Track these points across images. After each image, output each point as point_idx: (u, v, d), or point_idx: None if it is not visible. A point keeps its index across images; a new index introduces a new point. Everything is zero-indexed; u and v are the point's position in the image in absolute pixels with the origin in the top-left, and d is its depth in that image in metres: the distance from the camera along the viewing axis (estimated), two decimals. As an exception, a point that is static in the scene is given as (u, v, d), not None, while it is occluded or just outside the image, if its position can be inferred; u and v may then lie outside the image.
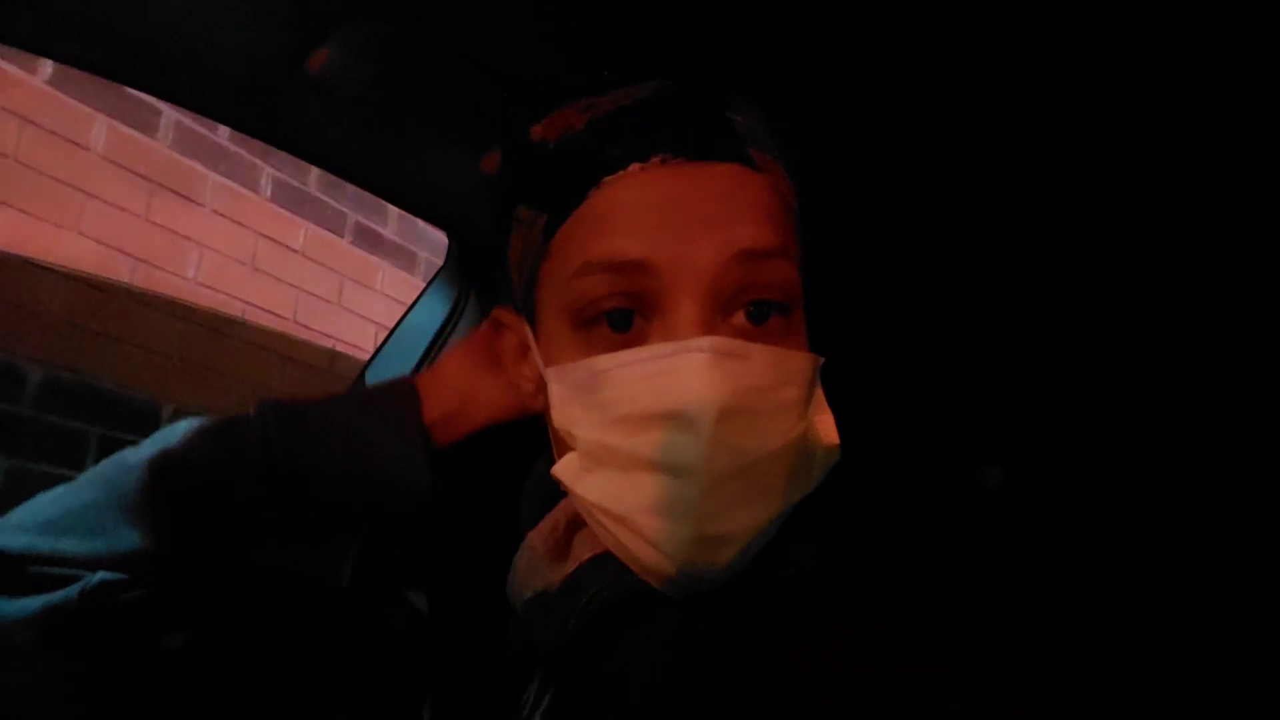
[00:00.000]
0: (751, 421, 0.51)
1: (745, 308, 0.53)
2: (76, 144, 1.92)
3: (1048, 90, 0.75)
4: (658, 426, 0.51)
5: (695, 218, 0.52)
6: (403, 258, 2.66)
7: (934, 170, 0.89)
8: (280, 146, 0.87)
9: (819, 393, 0.56)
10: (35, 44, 0.70)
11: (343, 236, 2.52)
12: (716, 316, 0.52)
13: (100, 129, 1.97)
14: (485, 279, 1.08)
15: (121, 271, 1.98)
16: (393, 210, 2.68)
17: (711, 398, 0.49)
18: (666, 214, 0.52)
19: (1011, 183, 0.89)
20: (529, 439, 0.65)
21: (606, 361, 0.52)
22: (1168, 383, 0.96)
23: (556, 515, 0.60)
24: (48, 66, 1.89)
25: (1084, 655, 0.47)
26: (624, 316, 0.53)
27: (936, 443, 1.10)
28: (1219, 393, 0.92)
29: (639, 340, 0.53)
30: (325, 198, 2.47)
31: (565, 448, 0.56)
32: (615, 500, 0.53)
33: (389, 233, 2.66)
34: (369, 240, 2.60)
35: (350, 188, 2.52)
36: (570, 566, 0.57)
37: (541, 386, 0.59)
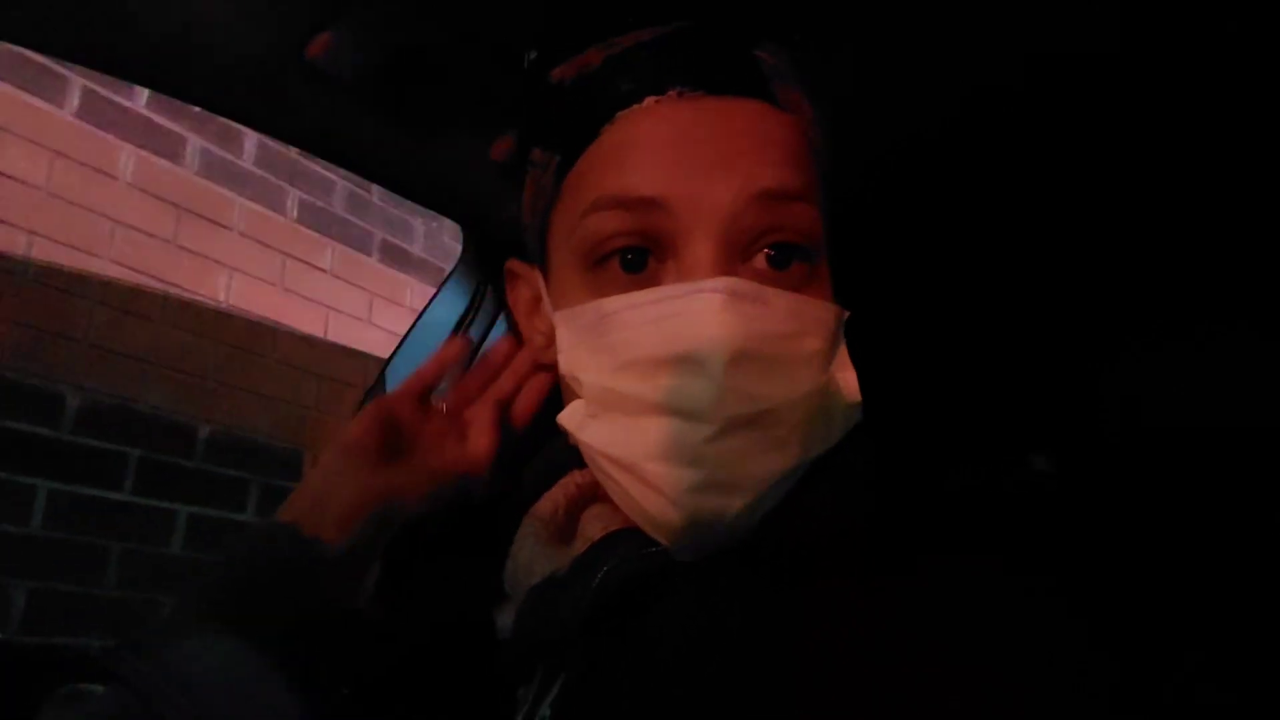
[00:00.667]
0: (767, 369, 0.48)
1: (766, 251, 0.50)
2: (105, 173, 1.96)
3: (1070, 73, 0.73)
4: (667, 370, 0.48)
5: (713, 155, 0.49)
6: (430, 273, 2.67)
7: (960, 155, 0.87)
8: (285, 139, 0.87)
9: (843, 348, 0.53)
10: (27, 37, 0.70)
11: (370, 255, 2.54)
12: (734, 259, 0.49)
13: (128, 158, 2.00)
14: (501, 272, 1.08)
15: (153, 296, 2.01)
16: (419, 227, 2.70)
17: (724, 341, 0.46)
18: (683, 150, 0.50)
19: (1039, 166, 0.87)
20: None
21: (615, 303, 0.50)
22: (1202, 363, 0.93)
23: (555, 496, 0.58)
24: (75, 99, 1.93)
25: (1140, 640, 0.44)
26: (637, 256, 0.50)
27: (969, 428, 1.07)
28: (1255, 375, 0.89)
29: (652, 282, 0.50)
30: (351, 217, 2.50)
31: (573, 395, 0.54)
32: (621, 446, 0.50)
33: (416, 249, 2.68)
34: (396, 257, 2.62)
35: (376, 207, 2.56)
36: (580, 546, 0.54)
37: (552, 338, 0.56)
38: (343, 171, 2.45)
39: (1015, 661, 0.42)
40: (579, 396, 0.53)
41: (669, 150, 0.50)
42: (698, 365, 0.47)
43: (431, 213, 2.70)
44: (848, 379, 0.53)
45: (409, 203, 2.71)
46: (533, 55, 0.67)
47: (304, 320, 2.33)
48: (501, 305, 1.08)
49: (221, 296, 2.15)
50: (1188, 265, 0.88)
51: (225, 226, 2.18)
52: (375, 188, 2.57)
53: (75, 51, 0.75)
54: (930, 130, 0.81)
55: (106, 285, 1.93)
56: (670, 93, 0.51)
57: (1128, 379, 0.96)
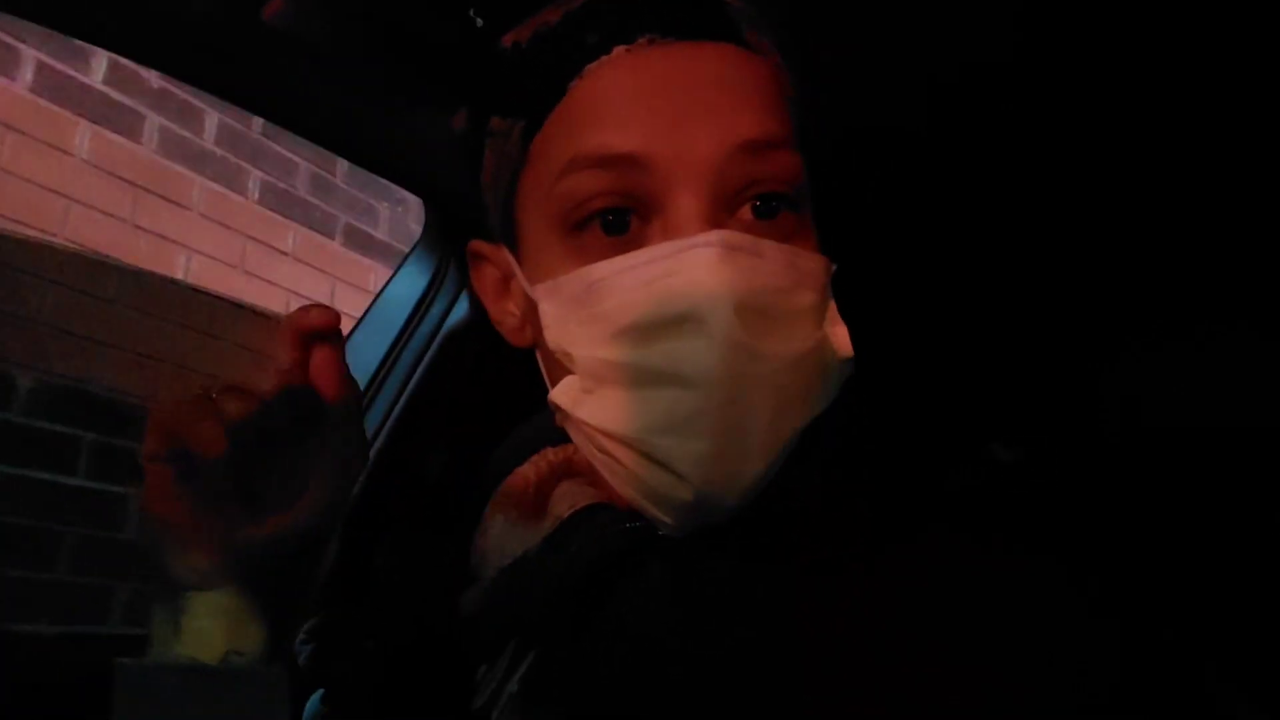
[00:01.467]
0: (771, 325, 0.46)
1: (752, 202, 0.48)
2: (60, 150, 1.91)
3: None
4: (667, 334, 0.45)
5: (691, 104, 0.47)
6: (394, 257, 2.64)
7: (942, 156, 0.87)
8: (241, 104, 0.85)
9: (832, 303, 0.52)
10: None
11: (333, 238, 2.51)
12: (721, 212, 0.47)
13: (84, 135, 1.95)
14: (465, 246, 1.06)
15: (109, 276, 1.97)
16: (384, 211, 2.67)
17: (725, 294, 0.44)
18: (659, 101, 0.47)
19: (1031, 161, 0.87)
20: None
21: (603, 269, 0.47)
22: (1190, 364, 0.94)
23: (525, 473, 0.56)
24: (29, 73, 1.88)
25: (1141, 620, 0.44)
26: (619, 218, 0.48)
27: (952, 421, 1.08)
28: (1244, 374, 0.90)
29: (637, 243, 0.47)
30: (315, 200, 2.46)
31: (561, 373, 0.51)
32: (622, 422, 0.47)
33: (380, 233, 2.65)
34: (360, 242, 2.59)
35: (340, 190, 2.52)
36: (550, 525, 0.52)
37: (529, 317, 0.54)
38: (306, 153, 2.41)
39: (1014, 639, 0.41)
40: (570, 372, 0.50)
41: (645, 102, 0.47)
42: (698, 324, 0.44)
43: (396, 197, 2.67)
44: (839, 334, 0.51)
45: (373, 186, 2.67)
46: (479, 21, 0.64)
47: (265, 303, 2.29)
48: (464, 281, 1.06)
49: (180, 277, 2.11)
50: (1186, 264, 0.89)
51: (184, 206, 2.14)
52: (339, 170, 2.53)
53: (25, 7, 0.73)
54: (930, 126, 0.81)
55: (61, 264, 1.89)
56: (640, 41, 0.48)
57: (1127, 377, 0.96)
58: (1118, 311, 0.97)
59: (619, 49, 0.48)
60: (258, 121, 2.31)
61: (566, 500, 0.52)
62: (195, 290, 2.13)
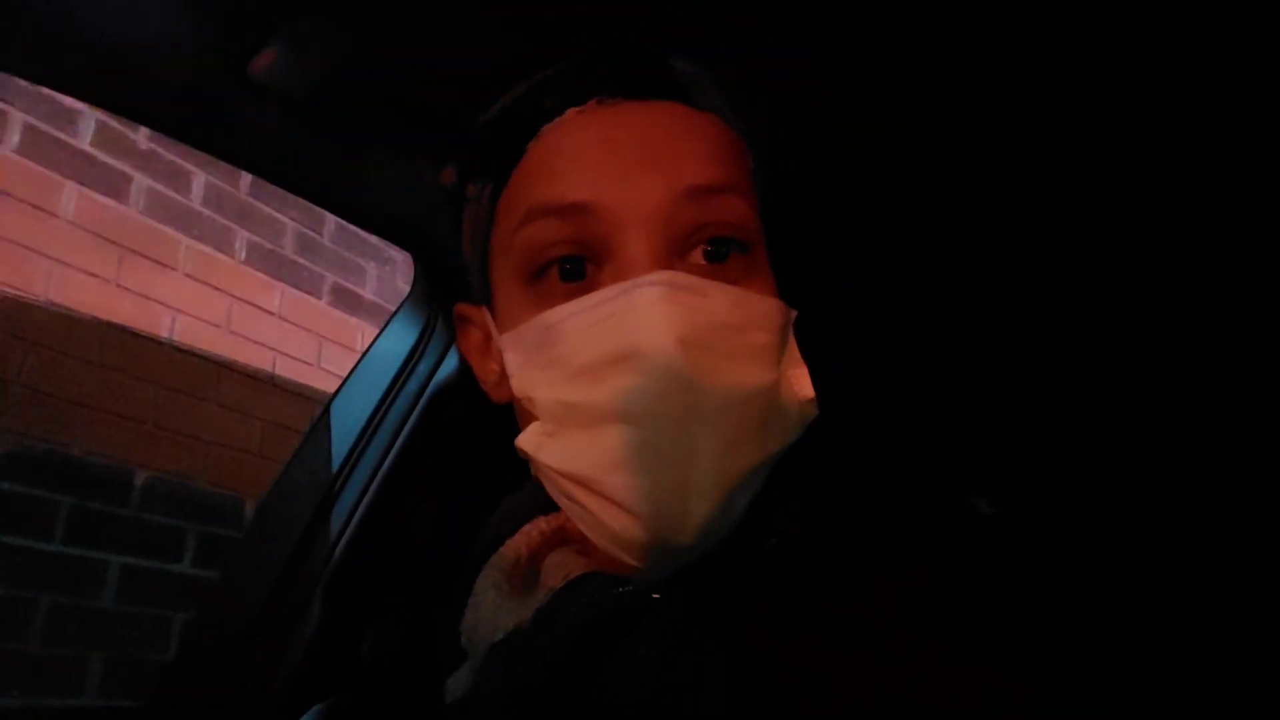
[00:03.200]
0: (715, 362, 0.47)
1: (703, 246, 0.50)
2: (46, 210, 1.90)
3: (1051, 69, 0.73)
4: (614, 372, 0.47)
5: (638, 156, 0.50)
6: (382, 317, 2.63)
7: (936, 158, 0.87)
8: (227, 159, 0.84)
9: (793, 345, 0.53)
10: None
11: (320, 298, 2.50)
12: (672, 257, 0.49)
13: (70, 195, 1.95)
14: (453, 302, 1.05)
15: (92, 337, 1.94)
16: (371, 270, 2.67)
17: (667, 332, 0.45)
18: (608, 153, 0.50)
19: (1016, 173, 0.87)
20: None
21: (557, 314, 0.49)
22: (1177, 371, 0.94)
23: (518, 544, 0.55)
24: (15, 135, 1.88)
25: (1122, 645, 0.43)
26: (575, 266, 0.50)
27: (938, 437, 1.07)
28: (1230, 379, 0.89)
29: (592, 288, 0.49)
30: (302, 260, 2.45)
31: (529, 418, 0.52)
32: (578, 462, 0.48)
33: (368, 293, 2.64)
34: (347, 301, 2.58)
35: (327, 249, 2.52)
36: (542, 597, 0.51)
37: (505, 373, 0.55)
38: (293, 213, 2.41)
39: (1015, 677, 0.40)
40: (535, 418, 0.52)
41: (594, 154, 0.50)
42: (640, 360, 0.46)
43: (384, 256, 2.67)
44: (799, 375, 0.52)
45: (360, 245, 2.68)
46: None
47: (251, 364, 2.27)
48: (453, 337, 1.05)
49: (164, 338, 2.09)
50: (1182, 265, 0.88)
51: (170, 267, 2.13)
52: (327, 230, 2.53)
53: (7, 59, 0.72)
54: (924, 128, 0.81)
55: (43, 326, 1.87)
56: (590, 102, 0.52)
57: (1124, 380, 0.96)
58: (1115, 315, 0.97)
59: (571, 110, 0.52)
60: (245, 182, 2.32)
61: (560, 571, 0.51)
62: (179, 350, 2.11)
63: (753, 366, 0.49)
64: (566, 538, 0.55)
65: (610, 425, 0.47)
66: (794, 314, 0.53)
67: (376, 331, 2.54)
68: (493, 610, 0.53)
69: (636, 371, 0.46)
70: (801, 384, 0.52)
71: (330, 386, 2.43)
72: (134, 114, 0.78)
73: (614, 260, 0.49)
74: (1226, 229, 0.87)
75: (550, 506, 0.56)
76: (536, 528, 0.56)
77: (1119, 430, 0.97)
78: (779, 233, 0.57)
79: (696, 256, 0.50)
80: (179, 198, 2.17)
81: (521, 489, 0.60)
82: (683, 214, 0.49)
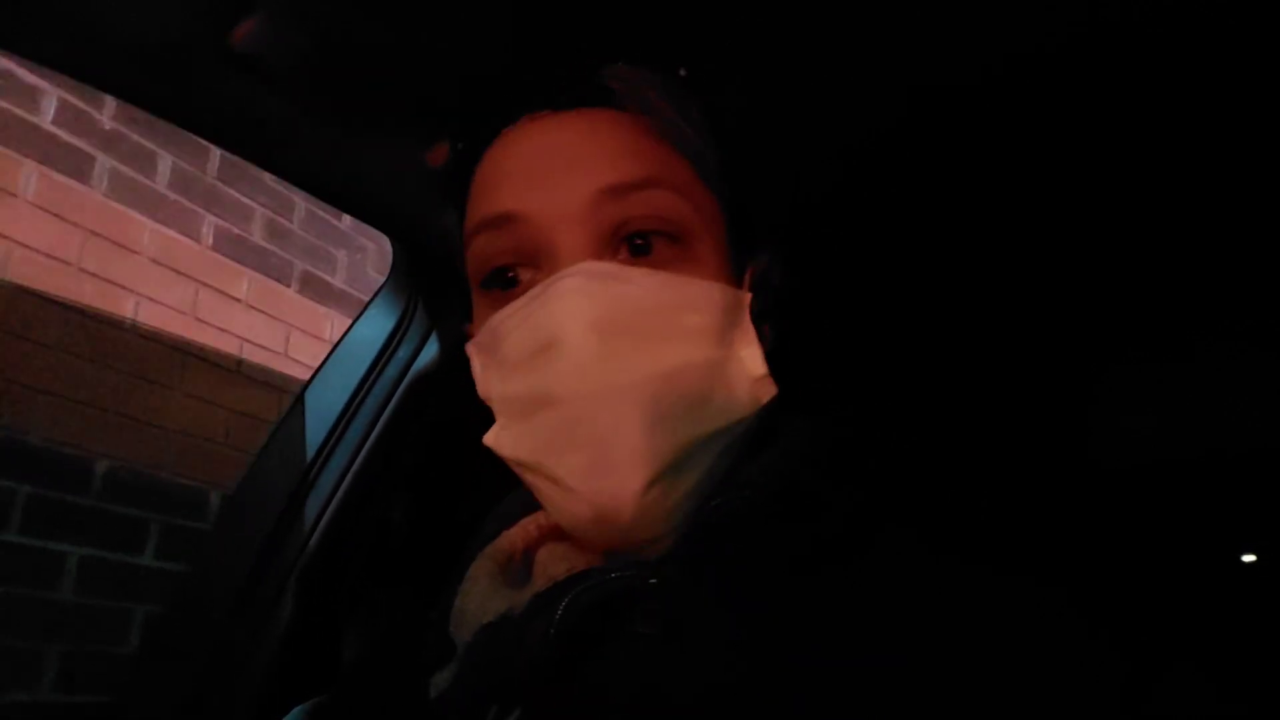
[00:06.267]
0: (636, 343, 0.50)
1: (631, 240, 0.53)
2: (5, 191, 1.84)
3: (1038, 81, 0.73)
4: (539, 362, 0.50)
5: (559, 162, 0.53)
6: (352, 305, 2.58)
7: (925, 168, 0.86)
8: (202, 134, 0.81)
9: (746, 326, 0.55)
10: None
11: (289, 285, 2.45)
12: (602, 254, 0.52)
13: (30, 175, 1.89)
14: (433, 287, 1.02)
15: (52, 321, 1.88)
16: (342, 258, 2.62)
17: (579, 317, 0.49)
18: (532, 164, 0.54)
19: (1005, 192, 0.87)
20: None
21: (499, 316, 0.53)
22: (1154, 399, 0.94)
23: (514, 536, 0.58)
24: (-27, 112, 1.82)
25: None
26: (515, 274, 0.54)
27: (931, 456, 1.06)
28: (1210, 405, 0.90)
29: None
30: (270, 246, 2.40)
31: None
32: (526, 449, 0.52)
33: (338, 281, 2.59)
34: (317, 289, 2.53)
35: (296, 236, 2.47)
36: (541, 584, 0.52)
37: None
38: (262, 198, 2.36)
39: (1011, 675, 0.40)
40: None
41: (520, 166, 0.54)
42: (560, 347, 0.49)
43: (354, 244, 2.63)
44: (751, 354, 0.54)
45: (331, 233, 2.63)
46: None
47: (216, 352, 2.21)
48: (433, 323, 1.02)
49: (127, 324, 2.03)
50: (1172, 286, 0.89)
51: (134, 251, 2.07)
52: (296, 216, 2.48)
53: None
54: (914, 138, 0.80)
55: (2, 308, 1.80)
56: (521, 120, 0.56)
57: (1114, 401, 0.96)
58: (1104, 336, 0.97)
59: (506, 130, 0.57)
60: (213, 165, 2.27)
61: (564, 563, 0.53)
62: (143, 336, 2.05)
63: (681, 346, 0.51)
64: (563, 532, 0.56)
65: (542, 410, 0.50)
66: (747, 297, 0.55)
67: (346, 321, 2.50)
68: (483, 597, 0.54)
69: (557, 357, 0.49)
70: (754, 362, 0.54)
71: (299, 375, 2.39)
72: (104, 84, 0.75)
73: (549, 263, 0.52)
74: (1213, 242, 0.87)
75: None
76: (534, 521, 0.58)
77: (1106, 454, 0.97)
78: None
79: (624, 251, 0.53)
80: (144, 180, 2.11)
81: (509, 481, 0.60)
82: (603, 211, 0.52)
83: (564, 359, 0.49)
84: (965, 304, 1.00)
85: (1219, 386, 0.89)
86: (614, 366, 0.48)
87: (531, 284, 0.53)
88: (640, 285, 0.51)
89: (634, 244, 0.53)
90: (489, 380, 0.56)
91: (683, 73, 0.62)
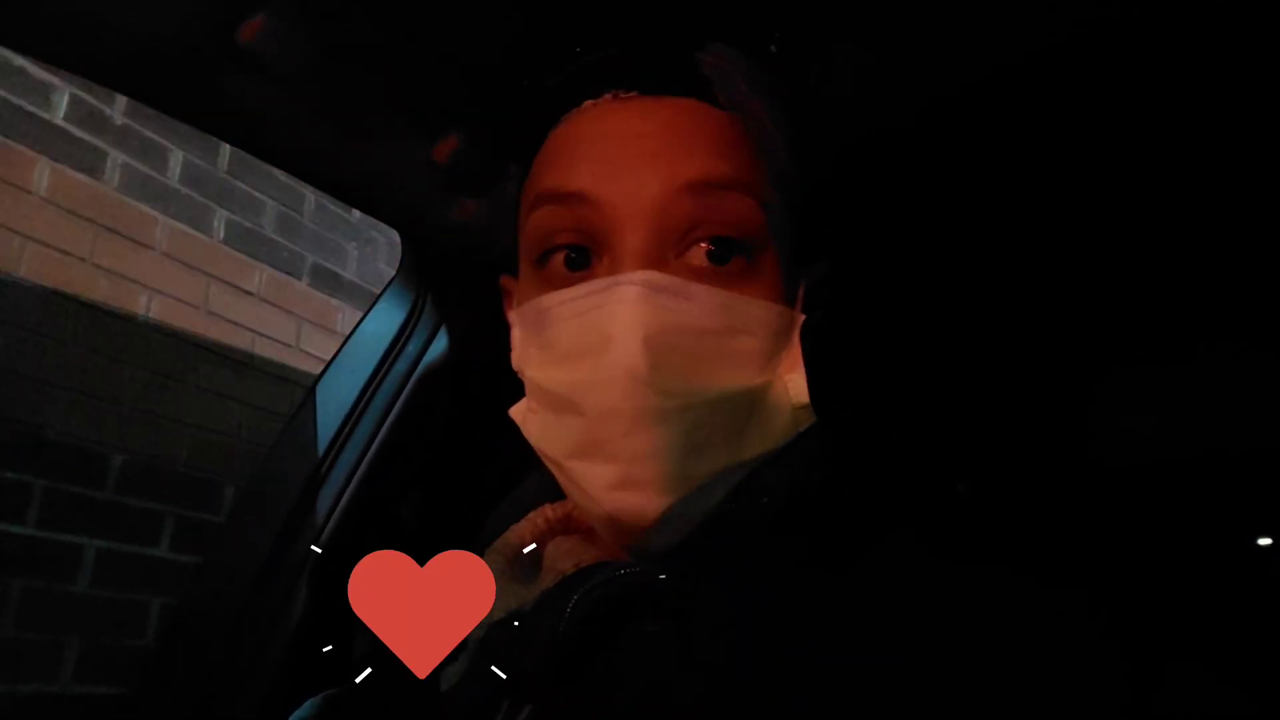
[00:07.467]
0: (688, 365, 0.48)
1: (706, 246, 0.50)
2: (18, 187, 1.85)
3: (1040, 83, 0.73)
4: (584, 364, 0.48)
5: (641, 150, 0.50)
6: (363, 298, 2.59)
7: (928, 168, 0.86)
8: (210, 130, 0.81)
9: (794, 349, 0.53)
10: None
11: (300, 278, 2.46)
12: (668, 254, 0.50)
13: (43, 171, 1.90)
14: (442, 282, 1.03)
15: (66, 317, 1.90)
16: (352, 251, 2.63)
17: (633, 332, 0.46)
18: (612, 147, 0.51)
19: (1005, 193, 0.87)
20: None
21: (551, 299, 0.51)
22: (1152, 401, 0.94)
23: (522, 530, 0.57)
24: (-14, 108, 1.83)
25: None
26: (580, 256, 0.51)
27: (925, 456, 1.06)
28: (1210, 405, 0.90)
29: (589, 279, 0.51)
30: (281, 239, 2.41)
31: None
32: (550, 443, 0.51)
33: (348, 274, 2.61)
34: (327, 282, 2.54)
35: (307, 229, 2.48)
36: (549, 580, 0.52)
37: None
38: (273, 192, 2.37)
39: (1015, 673, 0.40)
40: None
41: (600, 147, 0.52)
42: (605, 356, 0.47)
43: (364, 237, 2.64)
44: (795, 381, 0.52)
45: (341, 226, 2.64)
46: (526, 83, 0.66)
47: (228, 345, 2.23)
48: (442, 317, 1.03)
49: (140, 319, 2.05)
50: (1173, 284, 0.88)
51: (147, 246, 2.08)
52: (307, 209, 2.49)
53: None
54: (913, 139, 0.80)
55: (16, 304, 1.82)
56: (605, 96, 0.53)
57: (1112, 402, 0.96)
58: (1104, 336, 0.97)
59: (587, 103, 0.54)
60: (224, 160, 2.28)
61: (571, 558, 0.53)
62: (155, 330, 2.07)
63: (731, 371, 0.49)
64: (572, 526, 0.56)
65: (570, 415, 0.49)
66: (801, 318, 0.53)
67: (357, 313, 2.51)
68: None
69: (603, 365, 0.47)
70: (797, 389, 0.52)
71: (310, 368, 2.40)
72: (113, 82, 0.75)
73: (611, 253, 0.50)
74: (1213, 242, 0.87)
75: (557, 494, 0.56)
76: (543, 515, 0.57)
77: (1105, 454, 0.97)
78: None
79: (697, 256, 0.50)
80: (156, 175, 2.12)
81: (519, 473, 0.60)
82: (678, 209, 0.49)
83: (609, 369, 0.47)
84: (965, 304, 1.00)
85: (1219, 386, 0.89)
86: (658, 387, 0.46)
87: (594, 273, 0.51)
88: (701, 304, 0.48)
89: (710, 252, 0.50)
90: (526, 356, 0.54)
91: (774, 49, 0.60)
